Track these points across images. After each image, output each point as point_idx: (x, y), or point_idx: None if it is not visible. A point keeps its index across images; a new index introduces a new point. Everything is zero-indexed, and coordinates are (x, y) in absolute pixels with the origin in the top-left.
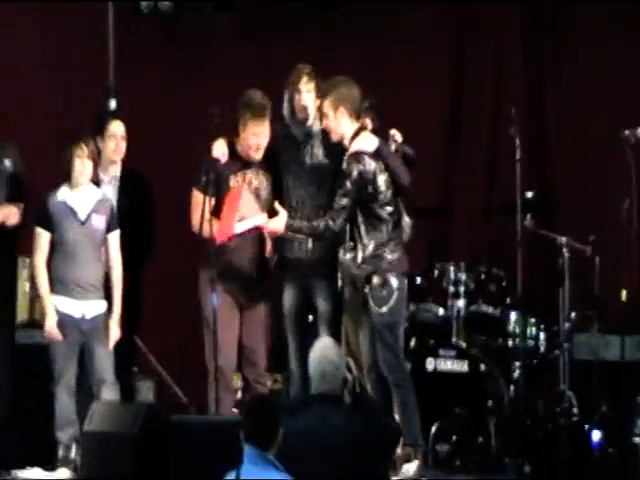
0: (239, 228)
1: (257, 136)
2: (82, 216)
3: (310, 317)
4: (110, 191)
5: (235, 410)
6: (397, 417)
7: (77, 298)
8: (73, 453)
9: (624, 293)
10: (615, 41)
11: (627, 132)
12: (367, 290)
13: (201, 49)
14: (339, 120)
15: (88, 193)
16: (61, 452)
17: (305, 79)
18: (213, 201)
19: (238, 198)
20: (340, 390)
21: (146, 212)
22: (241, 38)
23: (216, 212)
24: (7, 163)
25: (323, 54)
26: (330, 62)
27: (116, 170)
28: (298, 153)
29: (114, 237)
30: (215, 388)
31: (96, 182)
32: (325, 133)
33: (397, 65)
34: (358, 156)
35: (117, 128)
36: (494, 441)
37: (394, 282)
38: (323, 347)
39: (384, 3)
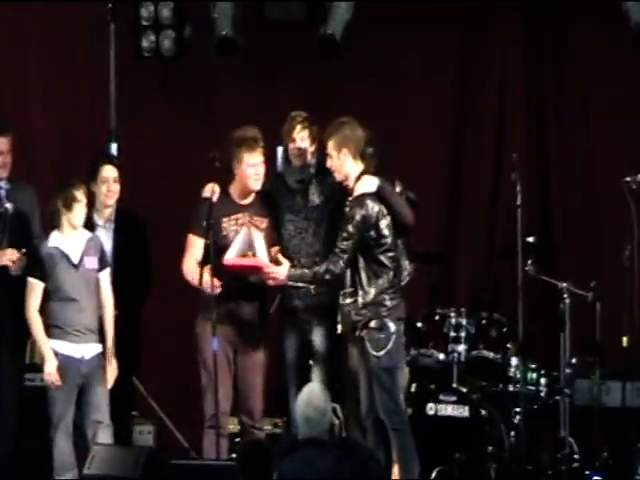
0: (238, 261)
1: (254, 166)
2: (75, 260)
3: (311, 362)
4: (105, 234)
5: (233, 455)
6: (395, 462)
7: (75, 342)
8: None
9: (625, 339)
10: (618, 87)
11: (628, 179)
12: (364, 334)
13: (202, 91)
14: (343, 161)
15: (78, 236)
16: None
17: (298, 128)
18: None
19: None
20: (327, 435)
21: (142, 254)
22: (243, 81)
23: (207, 257)
24: (8, 206)
25: (324, 98)
26: (331, 106)
27: (111, 213)
28: (293, 201)
29: (105, 275)
30: (216, 433)
31: (91, 226)
32: (320, 178)
33: (398, 110)
34: (361, 200)
35: (109, 172)
36: None
37: (391, 326)
38: (310, 392)
39: (385, 47)
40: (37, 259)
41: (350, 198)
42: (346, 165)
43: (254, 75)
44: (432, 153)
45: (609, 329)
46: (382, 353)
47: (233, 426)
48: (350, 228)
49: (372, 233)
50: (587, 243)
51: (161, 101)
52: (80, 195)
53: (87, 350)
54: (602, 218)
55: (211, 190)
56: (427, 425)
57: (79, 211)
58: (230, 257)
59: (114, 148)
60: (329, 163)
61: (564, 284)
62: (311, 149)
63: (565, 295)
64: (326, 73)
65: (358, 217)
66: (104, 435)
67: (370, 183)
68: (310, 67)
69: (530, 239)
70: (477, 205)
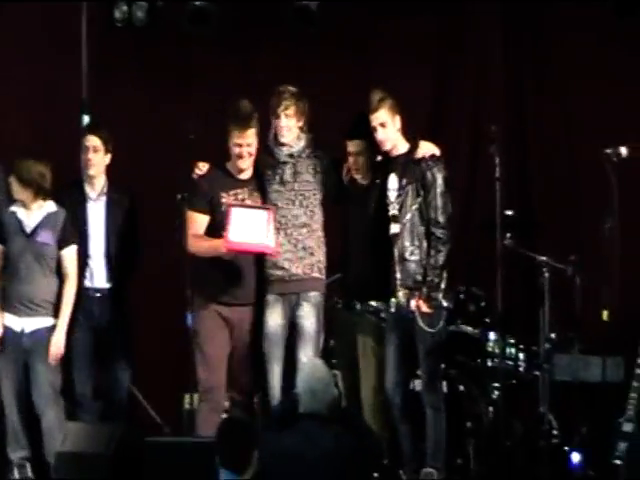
0: (242, 246)
1: (240, 145)
2: (28, 229)
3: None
4: (95, 207)
5: None
6: (428, 438)
7: (16, 314)
8: (29, 472)
9: (605, 313)
10: (598, 58)
11: (609, 150)
12: (413, 306)
13: (176, 62)
14: (396, 128)
15: (40, 208)
16: (16, 473)
17: (283, 105)
18: (208, 219)
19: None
20: (327, 409)
21: (132, 230)
22: (218, 52)
23: (210, 230)
24: None
25: (300, 69)
26: (307, 77)
27: (103, 186)
28: (283, 173)
29: (68, 253)
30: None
31: (84, 199)
32: (312, 153)
33: (378, 80)
34: (440, 161)
35: (88, 141)
36: (473, 462)
37: (444, 302)
38: (312, 365)
39: (363, 19)
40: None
41: (425, 159)
42: (397, 132)
43: (229, 46)
44: (409, 126)
45: (589, 303)
46: (435, 330)
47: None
48: (440, 189)
49: None
50: (566, 216)
51: (134, 72)
52: (18, 171)
53: (28, 323)
54: (582, 191)
55: (200, 168)
56: None
57: (15, 186)
58: (234, 239)
59: (86, 119)
60: (382, 134)
61: (543, 258)
62: (299, 124)
63: (544, 269)
64: (302, 44)
65: (442, 178)
66: (49, 413)
67: (434, 147)
68: (286, 38)
69: (509, 212)
70: (455, 178)
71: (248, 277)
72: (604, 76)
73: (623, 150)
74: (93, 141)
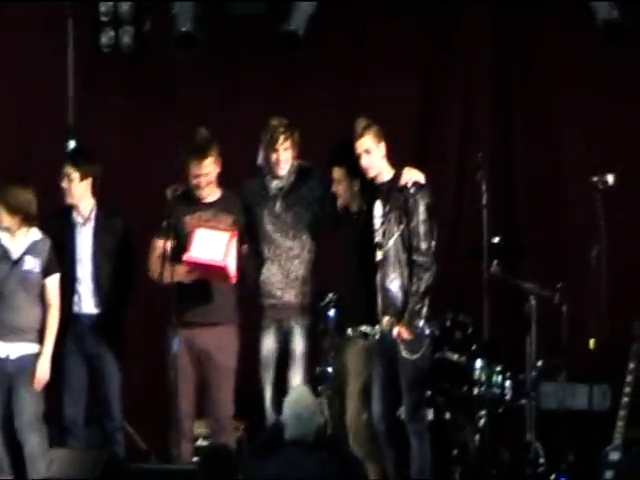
0: (199, 260)
1: (198, 176)
2: (14, 256)
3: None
4: (83, 233)
5: (195, 458)
6: (412, 465)
7: (3, 340)
8: None
9: (592, 341)
10: (584, 87)
11: (595, 178)
12: (395, 334)
13: (163, 88)
14: (381, 155)
15: (26, 235)
16: None
17: (282, 138)
18: (171, 244)
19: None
20: (313, 436)
21: (124, 254)
22: (204, 77)
23: (175, 256)
24: None
25: (287, 93)
26: (293, 101)
27: (89, 212)
28: (274, 207)
29: (52, 281)
30: (175, 437)
31: (72, 224)
32: (300, 184)
33: (364, 104)
34: (424, 188)
35: (66, 170)
36: None
37: (426, 329)
38: (299, 392)
39: (348, 42)
40: None
41: (408, 186)
42: (382, 159)
43: (216, 71)
44: (396, 150)
45: (575, 331)
46: (417, 356)
47: (201, 430)
48: (422, 217)
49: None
50: (553, 244)
51: (121, 98)
52: (5, 198)
53: (14, 350)
54: (568, 219)
55: (171, 191)
56: None
57: (1, 213)
58: (191, 255)
59: (72, 145)
60: (366, 160)
61: (530, 285)
62: (293, 155)
63: (531, 296)
64: (289, 69)
65: (424, 205)
66: (31, 440)
67: (419, 174)
68: (273, 63)
69: (495, 240)
70: (441, 205)
71: (215, 297)
72: (591, 103)
73: (610, 178)
74: (67, 169)
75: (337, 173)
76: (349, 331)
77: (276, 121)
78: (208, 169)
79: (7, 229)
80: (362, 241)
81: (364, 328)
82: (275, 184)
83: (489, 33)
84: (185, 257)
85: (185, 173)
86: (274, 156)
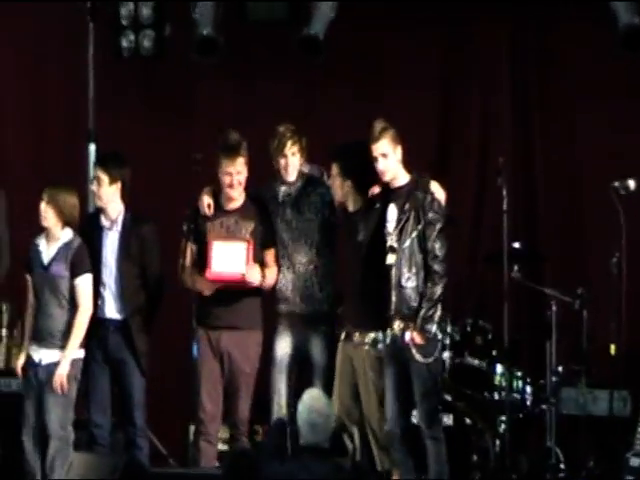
0: (222, 276)
1: (229, 174)
2: (45, 261)
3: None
4: (110, 236)
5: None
6: (430, 469)
7: (36, 345)
8: None
9: (613, 347)
10: (606, 92)
11: (617, 183)
12: (407, 339)
13: (183, 92)
14: (397, 159)
15: (58, 239)
16: None
17: (289, 143)
18: (194, 249)
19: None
20: (328, 443)
21: (150, 261)
22: (224, 81)
23: (198, 260)
24: None
25: (307, 98)
26: (314, 106)
27: (116, 216)
28: (284, 214)
29: (80, 282)
30: (197, 438)
31: (100, 227)
32: (309, 190)
33: (383, 111)
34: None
35: (96, 173)
36: None
37: (438, 333)
38: (311, 397)
39: (369, 47)
40: (28, 254)
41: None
42: (398, 163)
43: (236, 75)
44: (416, 157)
45: (596, 337)
46: (431, 360)
47: (222, 433)
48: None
49: None
50: (574, 249)
51: (141, 102)
52: (45, 197)
53: (45, 355)
54: (589, 224)
55: (206, 204)
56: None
57: (47, 213)
58: (212, 271)
59: (92, 149)
60: (382, 164)
61: (550, 291)
62: (301, 161)
63: (551, 302)
64: (309, 73)
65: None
66: (51, 447)
67: (441, 191)
68: (293, 67)
69: (516, 245)
70: (462, 210)
71: (241, 301)
72: (613, 108)
73: (631, 183)
74: (96, 173)
75: (333, 169)
76: (356, 337)
77: (283, 127)
78: (240, 167)
79: (48, 230)
80: (367, 244)
81: (374, 335)
82: (283, 190)
83: (508, 34)
84: (207, 274)
85: (215, 174)
86: (283, 162)
